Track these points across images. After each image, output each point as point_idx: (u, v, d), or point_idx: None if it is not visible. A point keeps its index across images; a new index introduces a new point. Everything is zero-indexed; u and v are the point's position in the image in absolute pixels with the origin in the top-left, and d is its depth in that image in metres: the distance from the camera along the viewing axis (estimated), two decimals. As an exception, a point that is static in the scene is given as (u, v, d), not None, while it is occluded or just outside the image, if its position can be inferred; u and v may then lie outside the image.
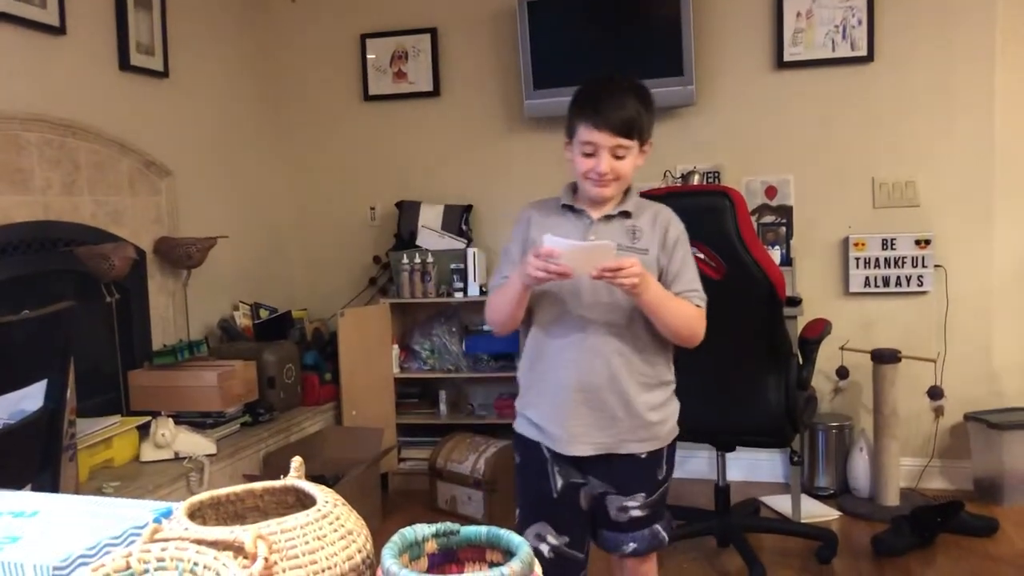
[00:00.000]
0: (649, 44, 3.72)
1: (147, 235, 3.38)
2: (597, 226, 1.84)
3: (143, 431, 2.97)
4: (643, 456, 1.87)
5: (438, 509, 3.60)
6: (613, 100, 1.77)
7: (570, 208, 1.88)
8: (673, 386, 1.94)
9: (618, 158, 1.78)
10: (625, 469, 1.87)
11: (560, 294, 1.82)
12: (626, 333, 1.82)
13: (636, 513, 1.90)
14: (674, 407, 1.94)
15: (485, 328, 4.04)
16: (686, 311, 1.81)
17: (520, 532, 1.93)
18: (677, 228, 1.87)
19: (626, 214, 1.85)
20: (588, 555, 1.98)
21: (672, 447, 1.93)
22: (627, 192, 1.88)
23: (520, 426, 1.96)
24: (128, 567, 0.80)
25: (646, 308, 1.76)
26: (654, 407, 1.86)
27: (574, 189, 1.90)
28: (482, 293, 3.85)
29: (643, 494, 1.89)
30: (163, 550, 0.81)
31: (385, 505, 3.62)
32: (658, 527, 1.94)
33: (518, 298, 1.81)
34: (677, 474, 4.06)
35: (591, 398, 1.82)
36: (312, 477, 1.01)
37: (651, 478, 1.90)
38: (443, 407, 4.02)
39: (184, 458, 2.92)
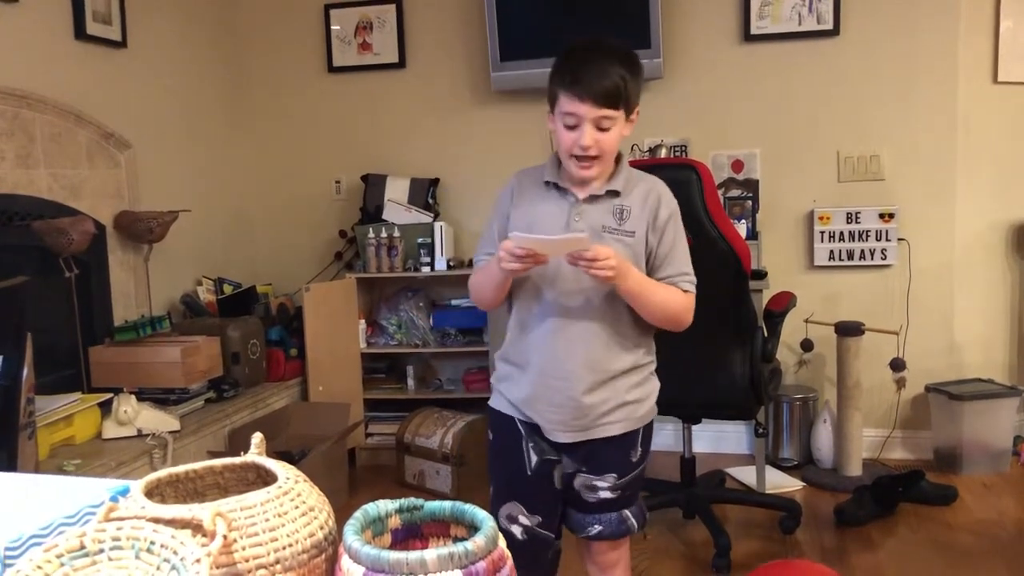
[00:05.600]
0: (616, 16, 3.68)
1: (107, 209, 3.31)
2: (582, 206, 1.73)
3: (105, 408, 2.93)
4: (617, 435, 1.79)
5: (406, 484, 3.59)
6: (595, 67, 1.63)
7: (554, 185, 1.75)
8: (653, 366, 1.86)
9: (602, 130, 1.65)
10: (598, 448, 1.80)
11: (540, 280, 1.74)
12: (606, 320, 1.74)
13: (605, 495, 1.82)
14: (651, 387, 1.86)
15: (453, 302, 4.03)
16: (670, 298, 1.73)
17: (493, 510, 1.85)
18: (669, 207, 1.75)
19: (614, 193, 1.73)
20: (560, 533, 1.91)
21: (648, 430, 1.86)
22: (617, 163, 1.76)
23: (495, 402, 1.89)
24: (82, 547, 0.78)
25: (626, 296, 1.69)
26: (631, 387, 1.79)
27: (560, 162, 1.75)
28: (449, 267, 3.83)
29: (614, 475, 1.82)
30: (119, 529, 0.79)
31: (352, 480, 3.61)
32: (627, 512, 1.86)
33: (499, 283, 1.74)
34: (644, 447, 4.07)
35: (568, 384, 1.74)
36: (278, 453, 1.00)
37: (624, 459, 1.83)
38: (411, 382, 4.00)
39: (147, 435, 2.89)
